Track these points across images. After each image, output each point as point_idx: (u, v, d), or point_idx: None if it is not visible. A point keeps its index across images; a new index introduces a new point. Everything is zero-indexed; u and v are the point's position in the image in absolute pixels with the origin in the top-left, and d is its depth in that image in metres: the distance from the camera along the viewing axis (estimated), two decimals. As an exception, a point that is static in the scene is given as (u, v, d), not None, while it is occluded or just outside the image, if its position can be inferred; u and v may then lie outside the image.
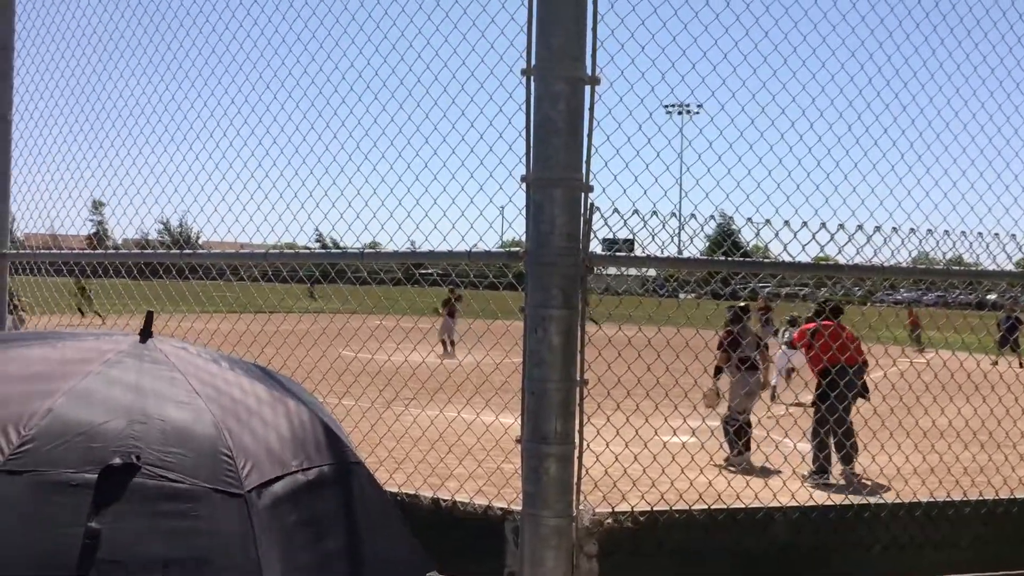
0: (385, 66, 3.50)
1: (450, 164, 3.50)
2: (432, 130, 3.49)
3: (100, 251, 4.77)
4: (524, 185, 3.10)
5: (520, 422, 3.17)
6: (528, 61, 2.98)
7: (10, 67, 4.54)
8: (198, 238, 5.22)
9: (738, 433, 9.56)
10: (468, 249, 3.42)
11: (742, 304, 9.71)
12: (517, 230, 3.43)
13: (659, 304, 3.96)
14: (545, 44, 2.93)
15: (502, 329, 3.65)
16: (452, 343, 20.71)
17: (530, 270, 3.08)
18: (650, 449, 3.82)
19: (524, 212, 3.13)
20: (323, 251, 4.31)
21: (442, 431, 4.18)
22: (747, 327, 10.04)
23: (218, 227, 4.30)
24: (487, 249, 3.36)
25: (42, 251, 4.78)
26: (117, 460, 1.65)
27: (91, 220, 5.53)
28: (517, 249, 3.21)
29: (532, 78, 2.98)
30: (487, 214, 3.62)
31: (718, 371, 9.80)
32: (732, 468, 9.00)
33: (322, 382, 3.86)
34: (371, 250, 3.77)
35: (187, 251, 4.41)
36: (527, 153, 3.07)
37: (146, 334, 2.08)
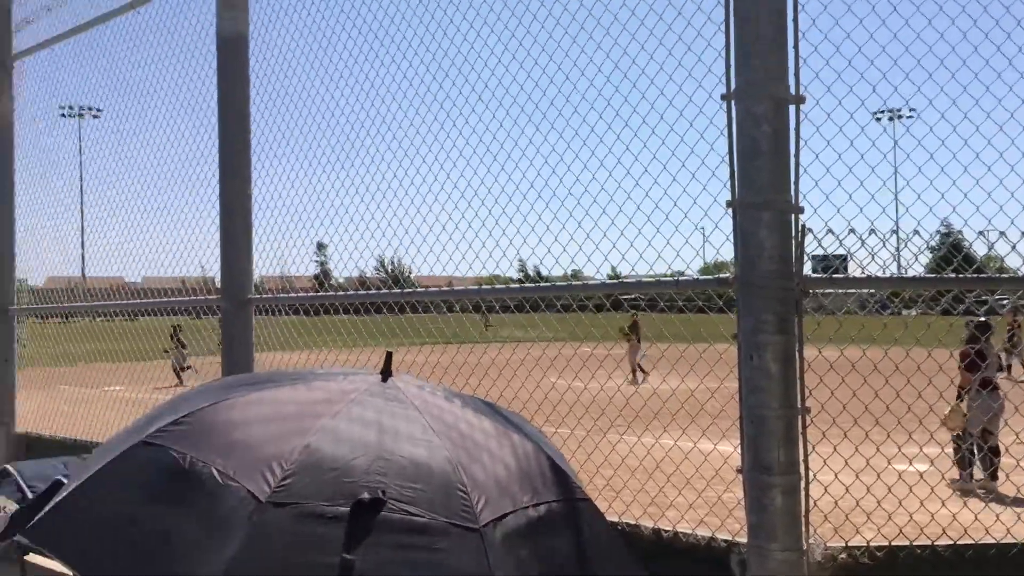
0: (584, 102, 3.59)
1: (652, 193, 3.51)
2: (633, 161, 3.52)
3: (330, 293, 5.15)
4: (730, 210, 3.06)
5: (740, 451, 3.09)
6: (728, 85, 2.95)
7: (247, 131, 5.06)
8: (411, 273, 5.52)
9: (983, 461, 8.80)
10: (676, 277, 3.40)
11: (980, 321, 8.92)
12: (723, 253, 3.38)
13: (884, 325, 3.73)
14: (745, 67, 2.89)
15: (715, 355, 3.59)
16: (643, 370, 20.55)
17: (741, 296, 3.02)
18: (883, 480, 3.59)
19: (731, 237, 3.09)
20: (533, 285, 4.42)
21: (659, 460, 4.14)
22: (988, 346, 9.22)
23: (434, 265, 4.55)
24: (694, 276, 3.33)
25: (281, 295, 5.23)
26: (366, 495, 1.77)
27: (315, 261, 5.99)
28: (726, 275, 3.16)
29: (733, 102, 2.94)
30: (693, 240, 3.57)
31: (960, 393, 9.07)
32: (958, 492, 8.28)
33: (538, 412, 3.94)
34: (578, 281, 3.84)
35: (407, 291, 4.67)
36: (731, 177, 3.03)
37: (386, 373, 2.24)
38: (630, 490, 4.28)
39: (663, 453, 4.34)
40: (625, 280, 3.67)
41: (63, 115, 7.57)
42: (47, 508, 1.97)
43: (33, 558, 3.96)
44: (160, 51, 5.93)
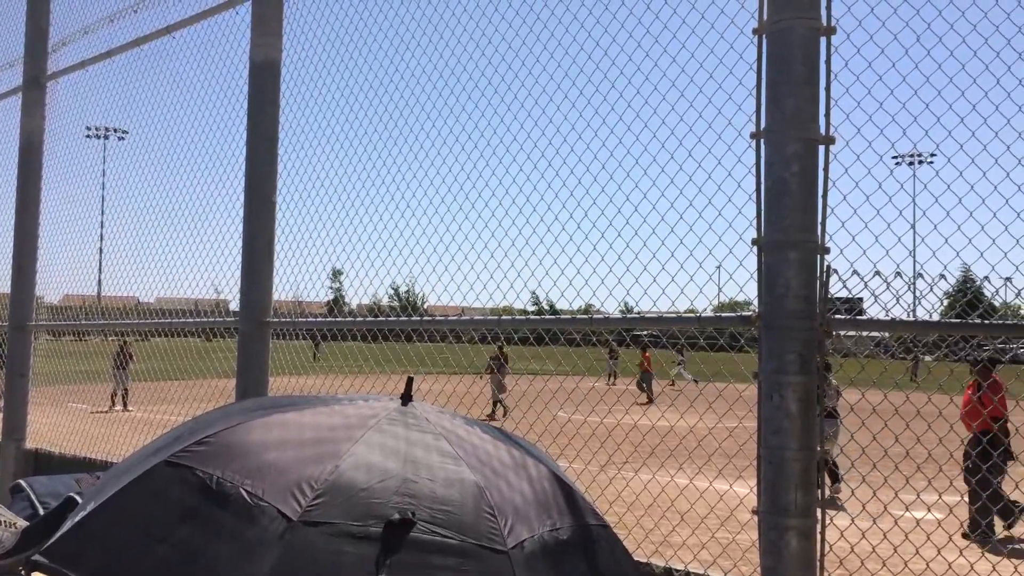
0: (612, 137, 3.61)
1: (677, 229, 3.51)
2: (659, 196, 3.53)
3: (350, 319, 5.15)
4: (755, 248, 3.06)
5: (756, 492, 3.07)
6: (758, 124, 2.97)
7: (275, 156, 5.11)
8: (424, 302, 5.53)
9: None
10: (697, 314, 3.40)
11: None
12: (728, 293, 3.38)
13: (907, 369, 3.71)
14: (777, 107, 2.91)
15: (734, 394, 3.57)
16: (501, 401, 20.03)
17: (763, 335, 3.01)
18: (901, 527, 3.55)
19: (755, 275, 3.09)
20: (552, 317, 4.41)
21: (673, 498, 4.11)
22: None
23: (441, 295, 4.58)
24: (718, 314, 3.33)
25: (299, 319, 5.24)
26: (396, 516, 1.78)
27: (330, 287, 6.02)
28: (749, 313, 3.16)
29: (763, 141, 2.96)
30: (698, 278, 3.55)
31: None
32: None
33: (552, 445, 3.93)
34: (600, 315, 3.84)
35: (426, 318, 4.68)
36: (758, 216, 3.04)
37: (407, 398, 2.24)
38: (642, 528, 4.25)
39: (677, 491, 4.31)
40: (647, 315, 3.67)
41: (88, 136, 7.66)
42: (67, 527, 1.93)
43: None
44: (191, 76, 6.02)
